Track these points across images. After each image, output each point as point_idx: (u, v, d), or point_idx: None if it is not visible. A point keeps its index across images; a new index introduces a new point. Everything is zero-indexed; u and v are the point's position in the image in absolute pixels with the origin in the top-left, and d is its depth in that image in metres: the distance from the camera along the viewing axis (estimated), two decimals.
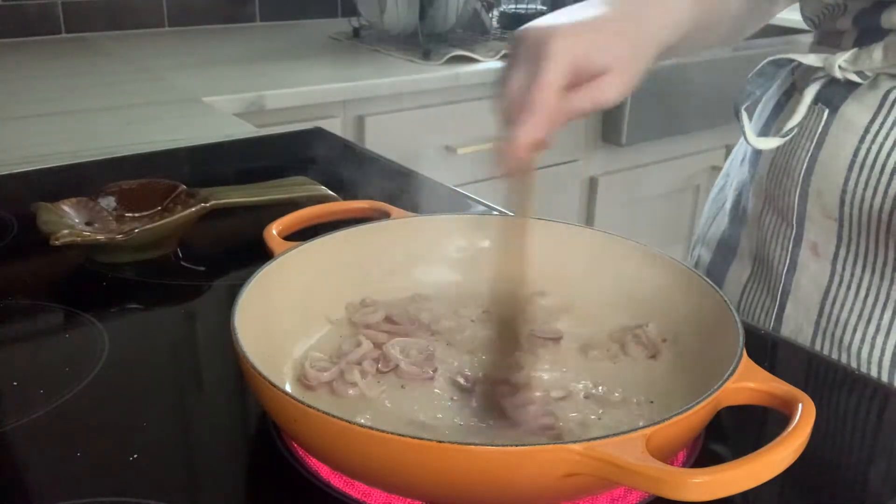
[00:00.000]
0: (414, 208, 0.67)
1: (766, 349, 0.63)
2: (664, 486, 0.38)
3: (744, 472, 0.39)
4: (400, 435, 0.40)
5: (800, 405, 0.42)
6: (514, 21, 1.98)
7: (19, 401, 0.54)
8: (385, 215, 0.67)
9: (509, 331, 0.56)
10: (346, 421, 0.41)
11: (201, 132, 1.14)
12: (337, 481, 0.46)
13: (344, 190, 0.82)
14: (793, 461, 0.40)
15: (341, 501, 0.45)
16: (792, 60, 0.67)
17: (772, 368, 0.46)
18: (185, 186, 0.79)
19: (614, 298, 0.61)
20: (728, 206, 0.78)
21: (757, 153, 0.72)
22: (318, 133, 1.16)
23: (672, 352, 0.57)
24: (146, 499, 0.45)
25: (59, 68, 1.53)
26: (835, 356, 0.65)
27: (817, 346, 0.66)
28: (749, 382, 0.46)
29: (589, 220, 1.97)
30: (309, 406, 0.42)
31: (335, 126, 1.48)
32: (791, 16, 0.84)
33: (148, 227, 0.72)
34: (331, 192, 0.80)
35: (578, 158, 1.88)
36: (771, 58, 0.69)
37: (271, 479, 0.47)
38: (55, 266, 0.73)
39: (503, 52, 1.76)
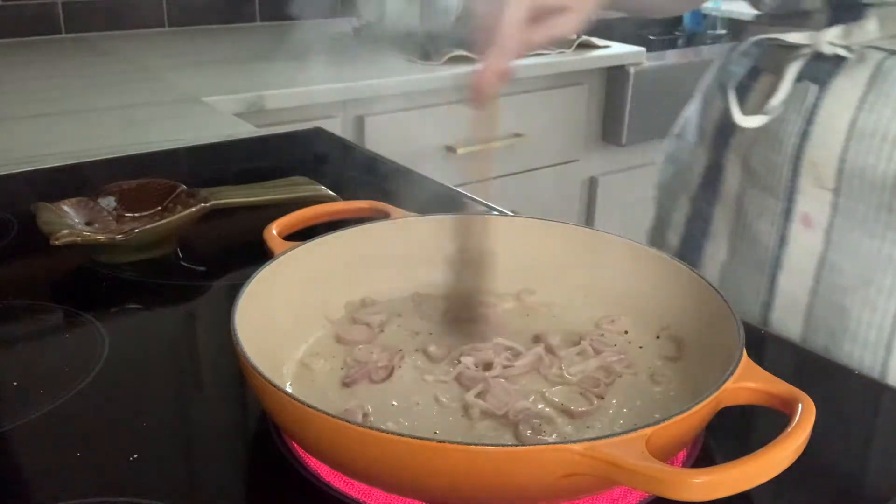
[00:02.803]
0: (414, 208, 0.67)
1: (766, 348, 0.63)
2: (664, 486, 0.38)
3: (744, 472, 0.39)
4: (400, 435, 0.40)
5: (800, 405, 0.42)
6: None
7: (19, 401, 0.54)
8: (385, 215, 0.67)
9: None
10: (347, 421, 0.41)
11: (201, 132, 1.14)
12: (337, 481, 0.46)
13: (344, 190, 0.82)
14: (793, 461, 0.40)
15: (341, 501, 0.45)
16: (774, 40, 0.68)
17: (771, 368, 0.46)
18: (185, 186, 0.79)
19: (615, 299, 0.61)
20: (695, 188, 0.79)
21: (726, 134, 0.73)
22: (318, 133, 1.16)
23: (672, 351, 0.57)
24: (146, 499, 0.45)
25: (59, 68, 1.52)
26: (833, 321, 0.66)
27: (815, 314, 0.67)
28: (749, 382, 0.45)
29: (589, 221, 1.97)
30: (309, 406, 0.42)
31: (335, 126, 1.48)
32: None
33: (148, 227, 0.72)
34: (331, 192, 0.80)
35: (578, 158, 1.87)
36: (754, 38, 0.71)
37: (271, 479, 0.47)
38: (55, 266, 0.73)
39: None
